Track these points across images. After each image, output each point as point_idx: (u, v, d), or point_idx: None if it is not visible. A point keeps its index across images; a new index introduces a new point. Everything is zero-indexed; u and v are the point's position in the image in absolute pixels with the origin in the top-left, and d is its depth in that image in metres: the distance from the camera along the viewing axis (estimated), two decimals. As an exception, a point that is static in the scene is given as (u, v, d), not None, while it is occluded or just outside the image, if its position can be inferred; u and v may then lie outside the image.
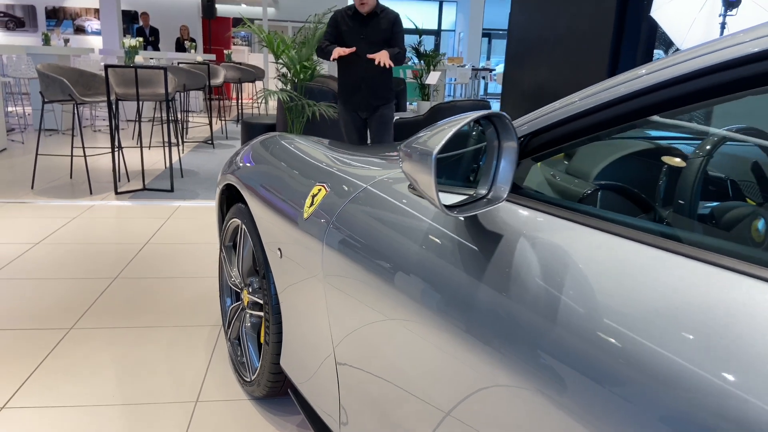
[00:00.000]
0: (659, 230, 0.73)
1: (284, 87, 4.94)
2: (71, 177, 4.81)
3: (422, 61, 8.73)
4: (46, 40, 7.34)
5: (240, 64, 9.10)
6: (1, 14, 13.13)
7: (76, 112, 4.54)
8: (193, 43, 10.16)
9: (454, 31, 19.86)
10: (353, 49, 3.61)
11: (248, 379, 1.87)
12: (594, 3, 6.19)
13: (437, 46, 19.77)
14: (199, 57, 8.76)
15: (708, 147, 0.93)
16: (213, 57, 10.24)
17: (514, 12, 8.91)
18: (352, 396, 1.21)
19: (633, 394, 0.60)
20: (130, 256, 3.11)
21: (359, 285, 1.12)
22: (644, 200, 0.91)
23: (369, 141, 3.92)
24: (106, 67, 4.15)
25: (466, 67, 12.14)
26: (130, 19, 12.87)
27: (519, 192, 0.92)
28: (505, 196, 0.85)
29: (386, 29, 3.70)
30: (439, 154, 0.80)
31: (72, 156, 4.86)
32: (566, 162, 1.01)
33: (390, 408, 1.05)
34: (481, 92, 16.73)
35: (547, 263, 0.76)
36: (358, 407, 1.19)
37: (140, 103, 5.05)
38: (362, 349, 1.14)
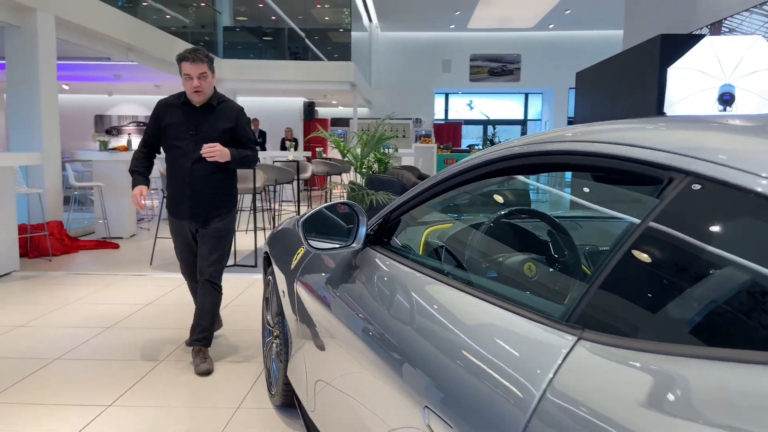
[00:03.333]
0: (444, 270, 1.40)
1: (353, 180, 5.89)
2: (181, 256, 5.97)
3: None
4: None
5: (329, 159, 10.38)
6: (141, 123, 15.76)
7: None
8: (293, 143, 11.69)
9: (540, 120, 20.61)
10: (142, 206, 2.99)
11: (272, 392, 2.59)
12: (641, 97, 6.84)
13: (523, 134, 20.59)
14: (290, 155, 10.16)
15: (491, 222, 1.60)
16: (309, 154, 11.67)
17: (578, 103, 9.64)
18: (317, 392, 1.87)
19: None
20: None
21: (309, 312, 1.85)
22: (439, 252, 1.59)
23: (198, 259, 3.11)
24: (210, 168, 5.31)
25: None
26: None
27: (381, 245, 1.63)
28: (359, 246, 1.57)
29: (226, 125, 2.98)
30: (304, 219, 1.55)
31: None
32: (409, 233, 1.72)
33: (338, 398, 1.69)
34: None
35: (383, 279, 1.47)
36: (321, 398, 1.85)
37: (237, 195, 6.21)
38: (314, 358, 1.83)
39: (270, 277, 2.63)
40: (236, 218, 3.29)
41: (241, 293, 4.56)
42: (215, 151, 2.89)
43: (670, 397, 0.67)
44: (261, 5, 14.63)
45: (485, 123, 19.88)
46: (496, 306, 1.02)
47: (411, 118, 17.32)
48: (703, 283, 0.81)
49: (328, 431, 1.68)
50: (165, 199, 3.18)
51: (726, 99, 4.07)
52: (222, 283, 3.16)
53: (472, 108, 20.18)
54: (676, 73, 4.49)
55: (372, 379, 1.26)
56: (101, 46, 7.75)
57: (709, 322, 0.77)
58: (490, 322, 1.02)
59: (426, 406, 0.99)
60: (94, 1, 7.31)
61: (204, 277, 3.05)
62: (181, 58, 2.95)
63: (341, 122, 16.84)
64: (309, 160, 10.93)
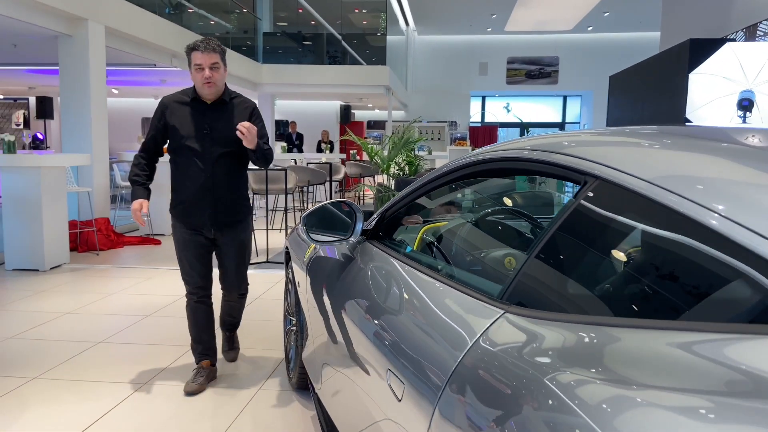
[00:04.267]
0: (420, 260, 1.60)
1: (382, 182, 6.12)
2: (217, 252, 6.30)
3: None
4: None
5: (362, 161, 10.63)
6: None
7: (223, 203, 6.06)
8: (328, 145, 12.01)
9: (578, 123, 20.42)
10: (143, 222, 2.73)
11: (290, 376, 2.82)
12: (669, 101, 6.86)
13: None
14: (324, 158, 10.46)
15: (471, 219, 1.78)
16: (343, 156, 11.95)
17: (610, 106, 9.64)
18: (322, 371, 2.09)
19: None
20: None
21: (315, 300, 2.06)
22: (429, 246, 1.78)
23: (219, 273, 2.98)
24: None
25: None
26: (282, 126, 15.32)
27: (376, 238, 1.83)
28: (355, 240, 1.77)
29: (237, 122, 2.69)
30: (306, 215, 1.76)
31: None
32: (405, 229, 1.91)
33: (336, 374, 1.90)
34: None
35: (375, 267, 1.67)
36: (325, 376, 2.06)
37: (268, 196, 6.50)
38: (319, 341, 2.04)
39: (289, 270, 2.86)
40: (252, 225, 3.15)
41: (270, 288, 4.83)
42: (250, 130, 2.63)
43: (560, 353, 0.85)
44: (300, 10, 15.04)
45: (522, 126, 19.85)
46: (454, 289, 1.21)
47: (446, 121, 17.44)
48: (605, 265, 0.98)
49: (331, 406, 1.89)
50: (171, 207, 2.83)
51: (745, 105, 4.10)
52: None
53: (509, 111, 20.17)
54: (698, 78, 4.54)
55: (358, 354, 1.46)
56: (147, 53, 8.19)
57: (605, 297, 0.94)
58: (446, 301, 1.21)
59: (389, 369, 1.19)
60: (141, 11, 7.76)
61: (235, 293, 3.05)
62: (192, 48, 2.71)
63: (378, 125, 17.11)
64: (344, 162, 11.22)
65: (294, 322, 2.82)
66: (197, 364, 2.93)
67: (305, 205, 8.11)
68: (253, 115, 2.84)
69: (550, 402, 0.74)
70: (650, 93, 7.31)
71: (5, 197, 5.47)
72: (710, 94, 4.44)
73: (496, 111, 20.11)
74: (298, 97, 14.36)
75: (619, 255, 0.98)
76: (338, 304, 1.74)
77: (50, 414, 2.57)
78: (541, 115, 20.35)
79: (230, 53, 10.69)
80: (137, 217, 2.71)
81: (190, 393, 2.77)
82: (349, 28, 15.67)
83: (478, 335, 0.99)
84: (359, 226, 1.77)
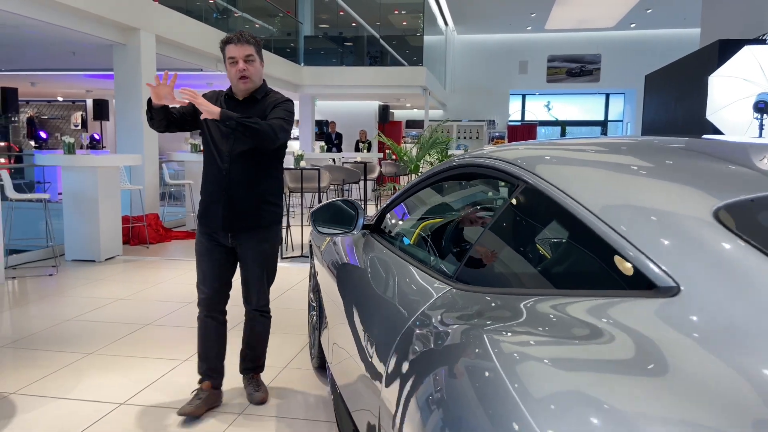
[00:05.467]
0: (406, 249, 1.88)
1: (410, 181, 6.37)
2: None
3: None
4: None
5: (397, 160, 10.90)
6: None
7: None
8: (366, 145, 12.34)
9: (621, 121, 20.13)
10: (162, 83, 2.44)
11: (312, 356, 3.13)
12: (698, 102, 6.90)
13: (603, 135, 20.21)
14: (359, 157, 10.79)
15: (444, 217, 2.04)
16: (380, 155, 12.26)
17: (646, 105, 9.64)
18: (333, 349, 2.37)
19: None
20: (278, 294, 4.62)
21: (327, 286, 2.35)
22: (423, 239, 2.05)
23: (243, 286, 2.74)
24: (280, 169, 5.99)
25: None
26: (322, 126, 15.76)
27: (377, 231, 2.11)
28: (357, 232, 2.06)
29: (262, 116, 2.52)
30: (314, 210, 2.05)
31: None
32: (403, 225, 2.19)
33: (341, 349, 2.20)
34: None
35: (374, 254, 1.96)
36: (335, 353, 2.35)
37: (304, 194, 6.86)
38: (331, 322, 2.34)
39: (312, 261, 3.17)
40: (281, 233, 2.71)
41: (303, 279, 5.17)
42: (194, 95, 2.38)
43: (480, 314, 1.11)
44: (341, 13, 15.43)
45: (563, 124, 19.72)
46: (424, 272, 1.48)
47: (484, 120, 17.53)
48: (521, 250, 1.24)
49: (340, 380, 2.18)
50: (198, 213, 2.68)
51: (761, 107, 4.17)
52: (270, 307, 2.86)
53: (549, 109, 20.06)
54: (718, 81, 4.63)
55: (355, 330, 1.75)
56: (194, 59, 8.70)
57: (519, 274, 1.20)
58: (416, 281, 1.48)
59: (368, 338, 1.47)
60: (189, 20, 8.26)
61: (251, 307, 2.78)
62: (225, 42, 2.55)
63: (416, 124, 17.35)
64: (381, 161, 11.53)
65: (315, 308, 3.13)
66: (199, 384, 2.69)
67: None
68: (277, 105, 2.57)
69: (469, 349, 0.99)
70: (682, 94, 7.33)
71: (65, 194, 6.01)
72: (731, 96, 4.51)
73: (537, 109, 20.04)
74: (338, 98, 14.76)
75: (530, 243, 1.24)
76: (342, 288, 2.04)
77: (102, 384, 2.96)
78: (583, 113, 20.16)
79: (272, 56, 11.15)
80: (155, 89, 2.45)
81: (183, 414, 2.54)
82: (389, 30, 15.97)
83: (426, 305, 1.26)
84: (361, 221, 2.06)
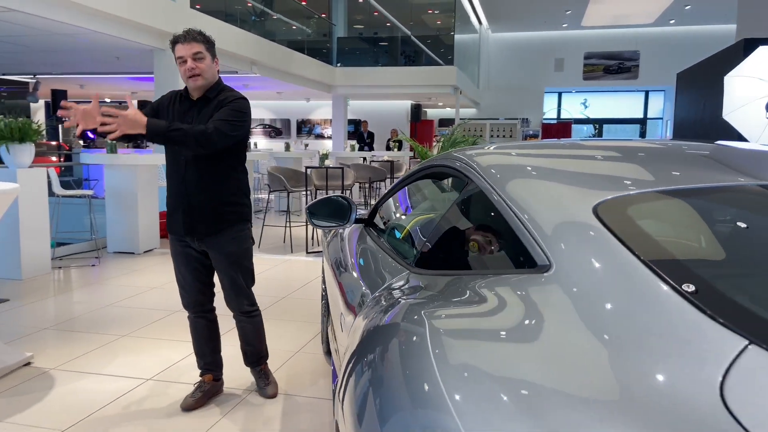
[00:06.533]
0: (388, 240, 2.09)
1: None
2: (284, 241, 7.01)
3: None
4: (287, 147, 10.23)
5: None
6: (267, 126, 17.47)
7: (288, 197, 6.75)
8: (396, 143, 12.55)
9: (661, 119, 19.74)
10: (94, 103, 2.18)
11: (322, 342, 3.38)
12: (721, 99, 6.87)
13: (642, 134, 19.85)
14: (386, 156, 11.01)
15: (417, 212, 2.23)
16: (411, 154, 12.44)
17: (677, 105, 9.57)
18: (333, 330, 2.61)
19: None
20: (301, 285, 4.90)
21: (327, 275, 2.59)
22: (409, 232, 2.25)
23: (223, 290, 2.73)
24: (306, 168, 6.27)
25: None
26: (355, 125, 16.05)
27: (367, 223, 2.33)
28: (350, 224, 2.28)
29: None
30: (310, 205, 2.28)
31: (284, 227, 7.08)
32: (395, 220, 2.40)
33: (336, 331, 2.45)
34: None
35: (366, 241, 2.18)
36: (335, 335, 2.59)
37: (329, 192, 7.14)
38: (332, 307, 2.57)
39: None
40: (250, 232, 2.70)
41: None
42: (116, 122, 2.16)
43: (425, 291, 1.31)
44: (376, 13, 15.68)
45: (593, 122, 19.47)
46: (394, 260, 1.70)
47: (518, 118, 17.50)
48: (461, 239, 1.44)
49: (335, 360, 2.41)
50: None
51: (772, 107, 4.18)
52: (256, 303, 2.85)
53: (586, 107, 19.84)
54: (733, 81, 4.64)
55: (343, 313, 1.98)
56: (230, 62, 9.08)
57: (459, 258, 1.41)
58: (386, 267, 1.70)
59: (348, 317, 1.69)
60: (224, 25, 8.64)
61: (237, 312, 2.78)
62: (174, 42, 2.46)
63: (449, 123, 17.46)
64: (411, 159, 11.73)
65: (324, 297, 3.37)
66: (200, 377, 2.82)
67: (368, 200, 8.71)
68: (224, 105, 2.45)
69: (398, 316, 1.20)
70: (708, 92, 7.29)
71: (108, 191, 6.43)
72: (746, 95, 4.53)
73: (573, 107, 19.85)
74: (370, 98, 15.02)
75: (463, 232, 1.45)
76: (336, 277, 2.27)
77: (132, 362, 3.28)
78: (621, 110, 19.85)
79: (305, 58, 11.47)
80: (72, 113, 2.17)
81: (185, 409, 2.67)
82: (423, 29, 16.13)
83: (384, 285, 1.47)
84: (353, 216, 2.28)
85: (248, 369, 2.97)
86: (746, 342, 0.70)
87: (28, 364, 3.20)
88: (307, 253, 6.30)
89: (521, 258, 1.11)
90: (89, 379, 3.03)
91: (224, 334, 3.02)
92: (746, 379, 0.66)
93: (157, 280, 5.17)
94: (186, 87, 2.54)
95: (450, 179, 2.00)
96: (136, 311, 4.24)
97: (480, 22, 17.29)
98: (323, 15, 14.46)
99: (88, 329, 3.83)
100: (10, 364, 3.09)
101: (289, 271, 5.54)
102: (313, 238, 6.69)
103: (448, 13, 15.38)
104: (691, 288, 0.83)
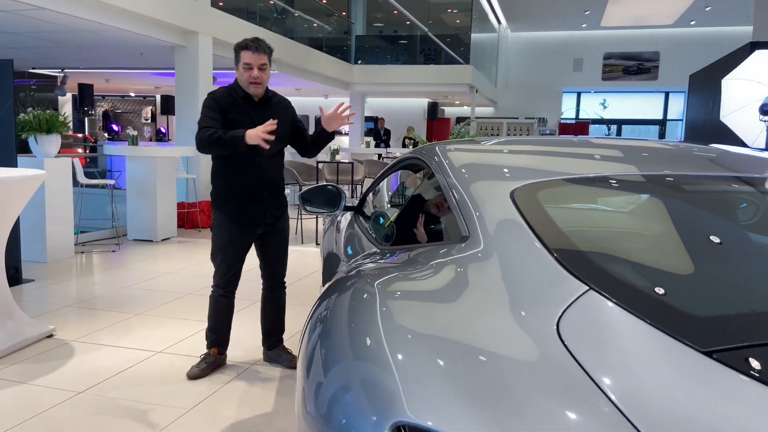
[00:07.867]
0: (370, 226, 2.31)
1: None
2: (295, 233, 7.26)
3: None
4: (304, 142, 10.50)
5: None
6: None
7: (300, 191, 7.00)
8: (411, 141, 12.75)
9: (681, 120, 19.61)
10: (274, 122, 2.60)
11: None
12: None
13: (662, 135, 19.74)
14: (398, 152, 11.21)
15: (395, 200, 2.44)
16: (425, 151, 12.65)
17: (689, 106, 9.62)
18: None
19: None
20: (308, 274, 5.14)
21: (333, 244, 2.82)
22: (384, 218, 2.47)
23: (263, 265, 3.13)
24: (318, 162, 6.51)
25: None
26: (374, 123, 16.27)
27: (356, 210, 2.55)
28: (339, 212, 2.50)
29: (288, 119, 2.89)
30: (303, 192, 2.50)
31: (297, 219, 7.34)
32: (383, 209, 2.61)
33: None
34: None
35: (351, 227, 2.41)
36: None
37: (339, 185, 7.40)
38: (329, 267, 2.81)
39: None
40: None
41: (331, 263, 5.69)
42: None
43: (384, 262, 1.53)
44: (395, 12, 15.88)
45: (620, 122, 19.43)
46: (369, 239, 1.92)
47: (535, 118, 17.56)
48: (418, 219, 1.66)
49: None
50: (220, 205, 2.90)
51: (766, 110, 4.29)
52: None
53: (605, 107, 19.79)
54: (730, 84, 4.76)
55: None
56: (248, 59, 9.36)
57: (414, 235, 1.62)
58: (363, 245, 1.92)
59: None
60: (243, 23, 8.92)
61: (278, 282, 3.15)
62: (242, 47, 2.77)
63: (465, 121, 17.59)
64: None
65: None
66: (207, 349, 3.07)
67: (380, 196, 8.97)
68: (294, 112, 2.99)
69: (354, 280, 1.41)
70: (717, 94, 7.36)
71: (129, 181, 6.75)
72: (743, 98, 4.63)
73: (592, 107, 19.82)
74: (387, 95, 15.23)
75: (419, 213, 1.66)
76: (327, 259, 2.50)
77: (146, 336, 3.55)
78: (641, 111, 19.77)
79: (322, 55, 11.72)
80: (259, 135, 2.55)
81: (191, 377, 2.94)
82: (442, 28, 16.28)
83: (357, 259, 1.69)
84: (343, 203, 2.50)
85: (253, 347, 3.22)
86: (586, 288, 0.90)
87: (51, 336, 3.49)
88: (317, 244, 6.54)
89: (455, 232, 1.32)
90: (105, 350, 3.31)
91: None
92: (580, 317, 0.86)
93: (173, 266, 5.46)
94: (239, 87, 2.84)
95: (422, 170, 2.22)
96: (152, 293, 4.52)
97: (499, 22, 17.37)
98: (343, 13, 14.71)
99: (106, 308, 4.12)
100: (34, 334, 3.38)
101: (300, 260, 5.79)
102: (318, 229, 6.96)
103: (467, 12, 15.51)
104: (560, 247, 1.03)
